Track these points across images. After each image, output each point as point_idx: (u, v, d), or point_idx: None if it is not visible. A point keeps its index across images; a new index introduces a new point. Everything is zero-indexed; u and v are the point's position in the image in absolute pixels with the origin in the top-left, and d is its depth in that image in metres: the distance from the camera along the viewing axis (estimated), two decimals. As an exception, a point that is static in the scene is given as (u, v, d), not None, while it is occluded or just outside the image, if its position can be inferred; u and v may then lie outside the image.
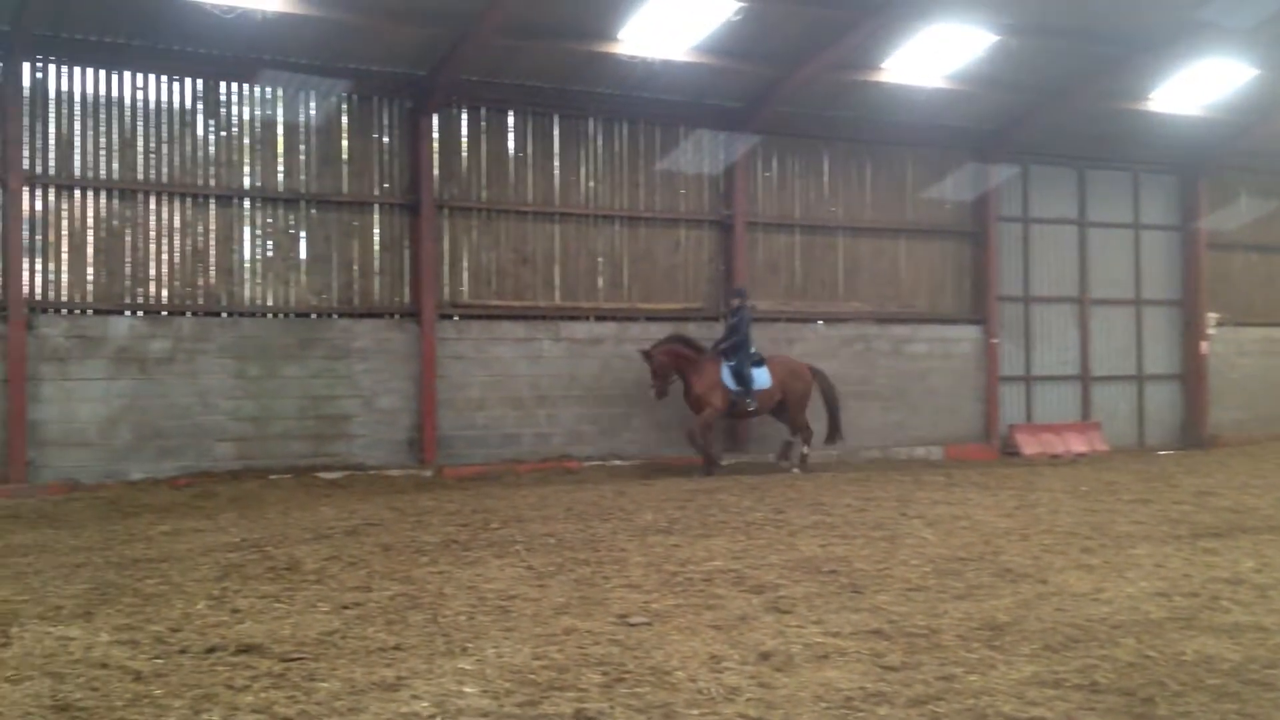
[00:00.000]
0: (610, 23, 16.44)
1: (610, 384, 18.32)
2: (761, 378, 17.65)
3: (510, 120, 17.98)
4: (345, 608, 7.44)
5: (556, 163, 18.31)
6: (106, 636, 6.66)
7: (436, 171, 17.25)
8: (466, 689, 5.58)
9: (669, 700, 5.42)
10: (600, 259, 18.57)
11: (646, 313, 18.81)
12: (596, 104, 18.40)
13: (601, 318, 18.51)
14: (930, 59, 18.49)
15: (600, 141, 18.66)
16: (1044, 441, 21.79)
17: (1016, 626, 6.86)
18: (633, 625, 6.88)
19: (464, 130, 17.64)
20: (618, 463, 17.53)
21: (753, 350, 17.75)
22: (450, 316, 17.36)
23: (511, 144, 17.98)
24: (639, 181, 18.94)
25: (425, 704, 5.35)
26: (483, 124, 17.78)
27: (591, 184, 18.59)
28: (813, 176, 20.38)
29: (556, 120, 18.30)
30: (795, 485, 14.87)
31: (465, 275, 17.60)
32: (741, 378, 17.42)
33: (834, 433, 18.63)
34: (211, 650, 6.32)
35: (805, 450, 18.14)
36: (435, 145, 17.29)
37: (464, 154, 17.64)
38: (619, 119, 18.73)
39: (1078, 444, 21.93)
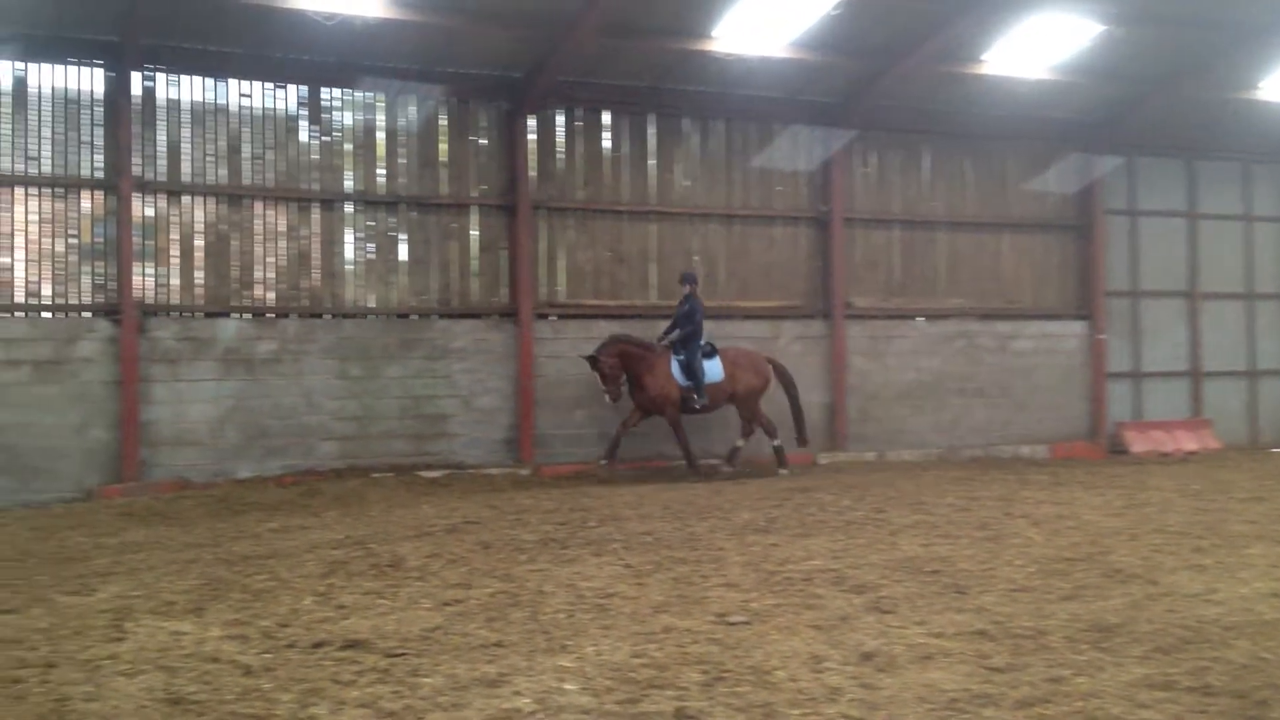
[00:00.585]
0: (705, 21, 16.39)
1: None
2: (713, 370, 16.53)
3: (606, 120, 18.03)
4: (447, 604, 7.53)
5: (652, 161, 18.32)
6: (217, 631, 6.82)
7: (533, 172, 17.38)
8: (567, 686, 5.61)
9: (770, 700, 5.38)
10: (696, 257, 18.52)
11: (743, 311, 18.73)
12: (692, 102, 18.37)
13: (697, 316, 18.46)
14: (1033, 50, 18.10)
15: (696, 139, 18.63)
16: (1153, 439, 21.22)
17: (1126, 628, 6.69)
18: (732, 624, 6.86)
19: (560, 131, 17.73)
20: (715, 461, 17.46)
21: (703, 342, 16.63)
22: (547, 316, 17.48)
23: (607, 143, 18.03)
24: (735, 179, 18.86)
25: (527, 700, 5.39)
26: (578, 124, 17.86)
27: (687, 182, 18.56)
28: (912, 171, 20.11)
29: (652, 119, 18.31)
30: (895, 484, 14.69)
31: (562, 275, 17.70)
32: (691, 371, 16.33)
33: (800, 434, 17.42)
34: (318, 645, 6.43)
35: (776, 443, 17.12)
36: (532, 146, 17.41)
37: (560, 154, 17.74)
38: (714, 116, 18.68)
39: (1188, 441, 21.32)
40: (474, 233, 17.24)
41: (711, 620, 6.97)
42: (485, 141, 17.30)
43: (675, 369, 16.29)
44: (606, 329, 17.61)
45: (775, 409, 17.36)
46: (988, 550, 9.42)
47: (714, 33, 16.62)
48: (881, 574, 8.37)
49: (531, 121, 17.40)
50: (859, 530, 10.57)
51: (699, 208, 18.56)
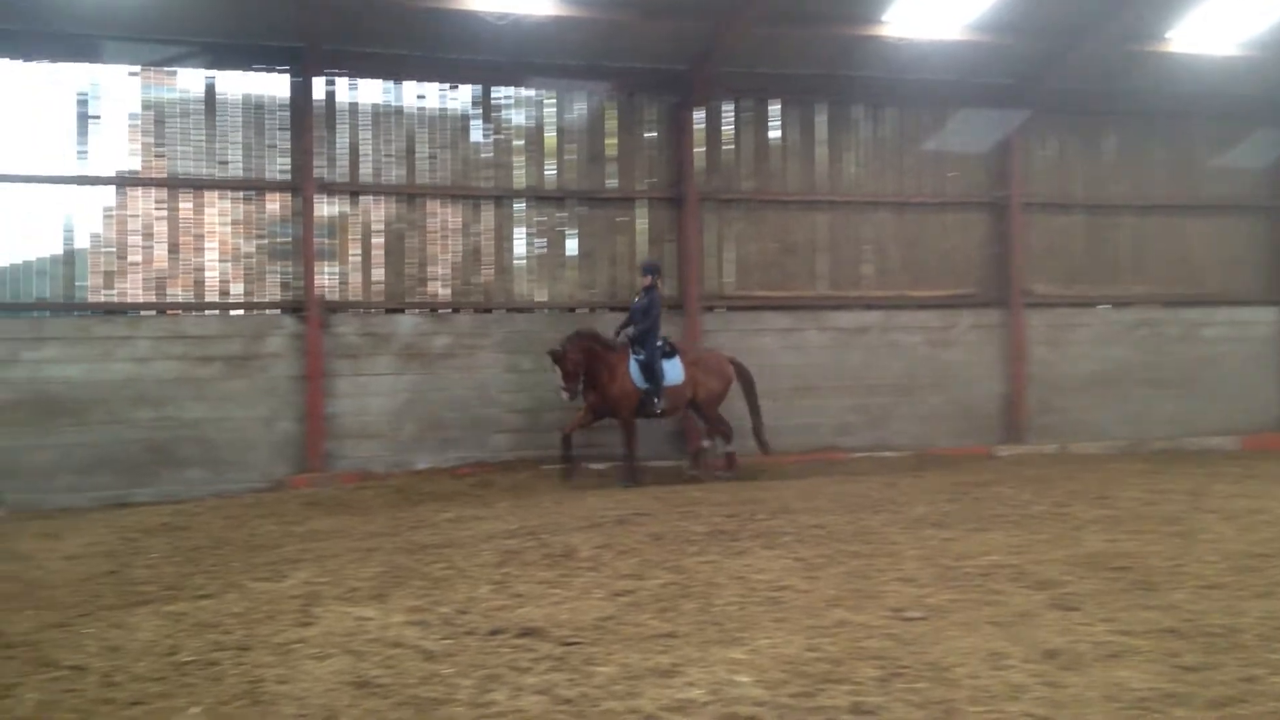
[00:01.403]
0: (875, 5, 16.10)
1: (877, 373, 17.97)
2: (673, 372, 15.11)
3: (773, 109, 17.90)
4: (619, 594, 7.58)
5: (821, 150, 18.10)
6: (399, 617, 7.01)
7: (700, 164, 17.36)
8: (740, 678, 5.58)
9: (949, 696, 5.26)
10: (867, 246, 18.23)
11: (916, 300, 18.36)
12: (861, 88, 18.07)
13: (868, 306, 18.19)
14: (1222, 25, 17.23)
15: (866, 126, 18.33)
16: (1353, 430, 19.98)
17: (1326, 627, 6.32)
18: (908, 619, 6.72)
19: (727, 122, 17.67)
20: (886, 454, 17.16)
21: (660, 341, 15.23)
22: (714, 308, 17.45)
23: (775, 133, 17.89)
24: (907, 165, 18.49)
25: (700, 691, 5.38)
26: (745, 114, 17.77)
27: (857, 170, 18.28)
28: (1093, 153, 19.36)
29: (821, 107, 18.09)
30: (1078, 478, 14.19)
31: (729, 267, 17.64)
32: (651, 373, 14.90)
33: (758, 436, 16.08)
34: (495, 632, 6.56)
35: (729, 448, 15.83)
36: (699, 138, 17.40)
37: (727, 145, 17.68)
38: (885, 103, 18.34)
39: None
40: (641, 226, 17.33)
41: (887, 615, 6.85)
42: (652, 135, 17.37)
43: (634, 369, 14.91)
44: (775, 321, 17.52)
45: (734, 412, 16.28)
46: (1177, 546, 9.02)
47: (884, 17, 16.32)
48: (1064, 570, 8.09)
49: (698, 114, 17.37)
50: (1040, 525, 10.24)
51: (870, 195, 18.25)
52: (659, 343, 15.11)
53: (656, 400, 14.88)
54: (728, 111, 17.69)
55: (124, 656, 6.29)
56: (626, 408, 14.95)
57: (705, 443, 16.04)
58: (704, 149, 17.47)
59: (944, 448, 17.42)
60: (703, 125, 17.47)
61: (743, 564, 8.58)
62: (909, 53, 17.17)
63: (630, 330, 15.14)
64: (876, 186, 18.33)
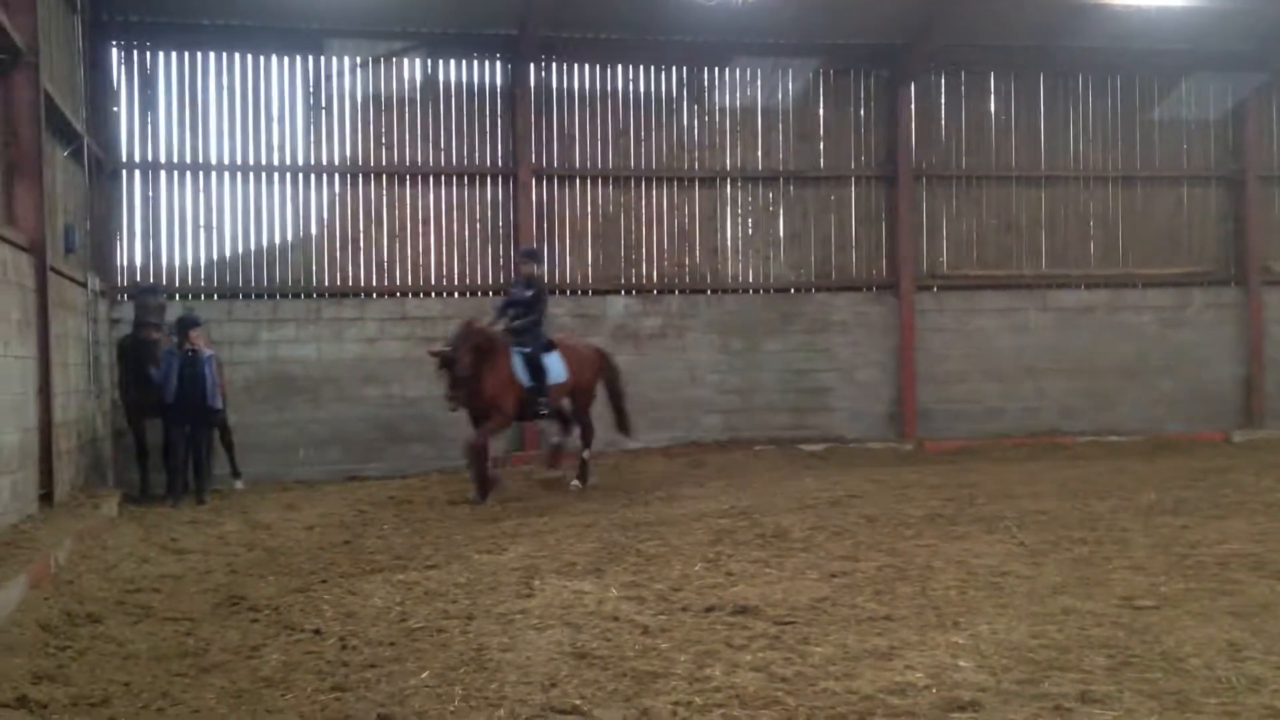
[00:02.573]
0: (1099, -29, 15.44)
1: (1103, 355, 17.25)
2: (556, 368, 13.13)
3: (991, 83, 17.36)
4: (834, 576, 7.50)
5: (1041, 124, 17.46)
6: (615, 592, 7.12)
7: (914, 141, 16.99)
8: (961, 663, 5.44)
9: (1183, 687, 5.00)
10: (1091, 222, 17.53)
11: (1144, 278, 17.54)
12: (1084, 59, 17.33)
13: (1093, 285, 17.48)
14: None
15: (1089, 98, 17.58)
16: None
17: None
18: (1139, 608, 6.42)
19: (942, 97, 17.25)
20: (1114, 438, 16.45)
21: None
22: (929, 288, 17.07)
23: (993, 107, 17.36)
24: (1134, 138, 17.67)
25: (919, 674, 5.27)
26: (962, 89, 17.30)
27: (1080, 144, 17.57)
28: (1342, 119, 18.09)
29: (1040, 79, 17.44)
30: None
31: (944, 245, 17.23)
32: (536, 369, 12.95)
33: (623, 424, 14.24)
34: (710, 609, 6.57)
35: (587, 454, 13.64)
36: (913, 114, 17.01)
37: (942, 121, 17.26)
38: (1109, 73, 17.56)
39: None
40: (853, 205, 17.08)
41: (1116, 603, 6.56)
42: (864, 112, 17.09)
43: (518, 366, 12.84)
44: (992, 300, 17.00)
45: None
46: None
47: (1109, -17, 15.61)
48: (1312, 561, 7.59)
49: (912, 89, 16.99)
50: (1282, 513, 9.65)
51: (1094, 170, 17.56)
52: (542, 334, 13.28)
53: (542, 400, 12.99)
54: (943, 86, 17.24)
55: (359, 622, 6.59)
56: (507, 409, 12.74)
57: (556, 439, 13.91)
58: (917, 125, 17.08)
59: (1175, 433, 16.60)
60: (916, 101, 17.07)
61: (962, 548, 8.36)
62: (1135, 20, 16.37)
63: (517, 321, 13.02)
64: (1101, 160, 17.59)
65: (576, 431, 13.71)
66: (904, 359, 16.73)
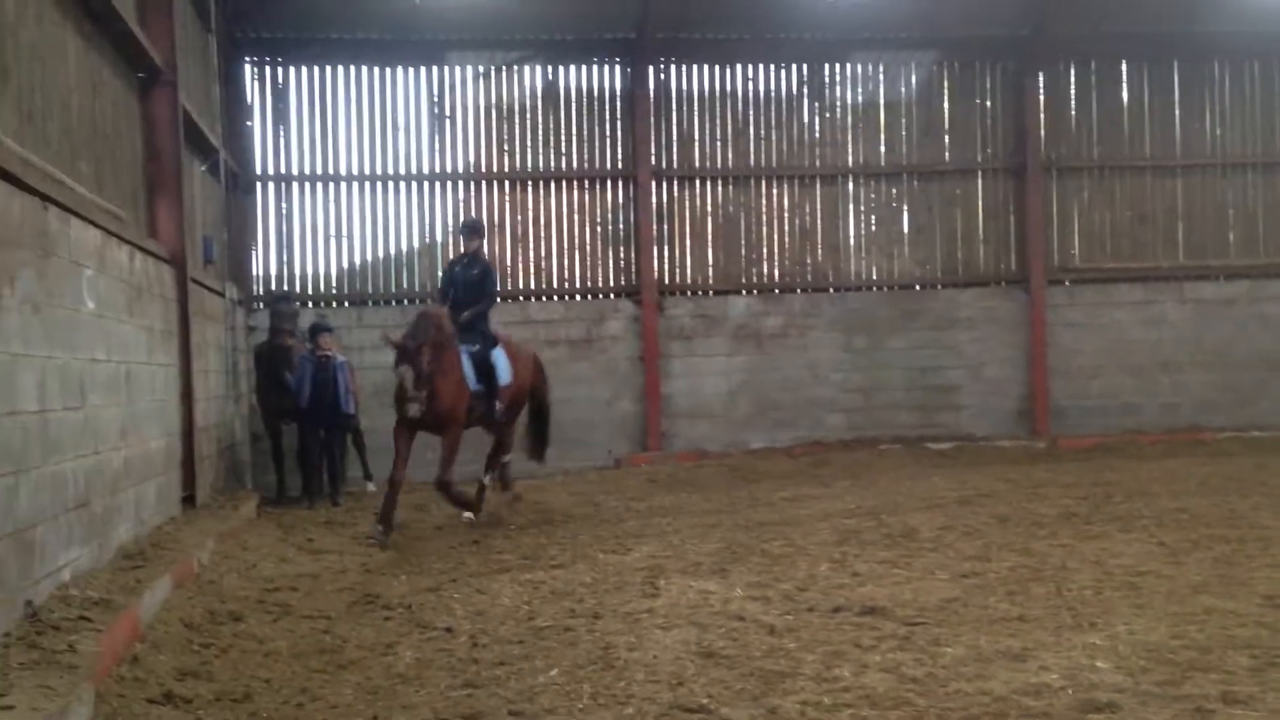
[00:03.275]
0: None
1: (1245, 348, 16.63)
2: (503, 369, 11.26)
3: (1122, 71, 16.87)
4: (964, 576, 7.38)
5: (1176, 111, 16.91)
6: (741, 592, 7.10)
7: (1043, 132, 16.60)
8: (1098, 664, 5.32)
9: (1337, 690, 4.80)
10: (1231, 211, 16.90)
11: (1287, 268, 16.87)
12: (1219, 44, 16.73)
13: (1232, 276, 16.85)
14: None
15: (1226, 84, 16.96)
16: None
17: None
18: (1286, 609, 6.19)
19: (1072, 86, 16.82)
20: (1256, 434, 15.83)
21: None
22: (1060, 282, 16.66)
23: (1125, 96, 16.86)
24: (1273, 123, 16.98)
25: (1055, 676, 5.16)
26: (1092, 78, 16.84)
27: (1218, 131, 16.96)
28: None
29: (1174, 66, 16.89)
30: None
31: (1075, 238, 16.79)
32: (488, 371, 11.06)
33: (540, 446, 12.53)
34: (837, 610, 6.52)
35: (507, 459, 12.14)
36: (1041, 104, 16.63)
37: (1072, 111, 16.83)
38: (1246, 57, 16.93)
39: None
40: (979, 199, 16.77)
41: (1259, 603, 6.35)
42: (990, 104, 16.76)
43: (467, 368, 10.89)
44: (1127, 293, 16.52)
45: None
46: None
47: (1246, -35, 15.05)
48: None
49: (1040, 79, 16.60)
50: None
51: (1233, 158, 16.93)
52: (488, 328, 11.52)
53: (496, 405, 11.19)
54: (1073, 75, 16.81)
55: (488, 620, 6.69)
56: (461, 418, 10.83)
57: (507, 458, 12.16)
58: (1046, 115, 16.69)
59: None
60: (1045, 91, 16.68)
61: (1098, 548, 8.15)
62: (1271, 3, 15.73)
63: (465, 313, 11.02)
64: (1241, 147, 16.96)
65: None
66: (1035, 355, 16.35)
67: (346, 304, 15.48)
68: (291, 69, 15.37)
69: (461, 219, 13.49)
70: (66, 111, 7.38)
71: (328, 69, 15.46)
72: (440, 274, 12.58)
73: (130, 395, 7.98)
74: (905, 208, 16.75)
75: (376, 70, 15.61)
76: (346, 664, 5.89)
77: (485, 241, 12.57)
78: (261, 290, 15.16)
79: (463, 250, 11.67)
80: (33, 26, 6.72)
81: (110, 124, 8.62)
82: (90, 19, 8.04)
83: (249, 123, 15.19)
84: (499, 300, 13.02)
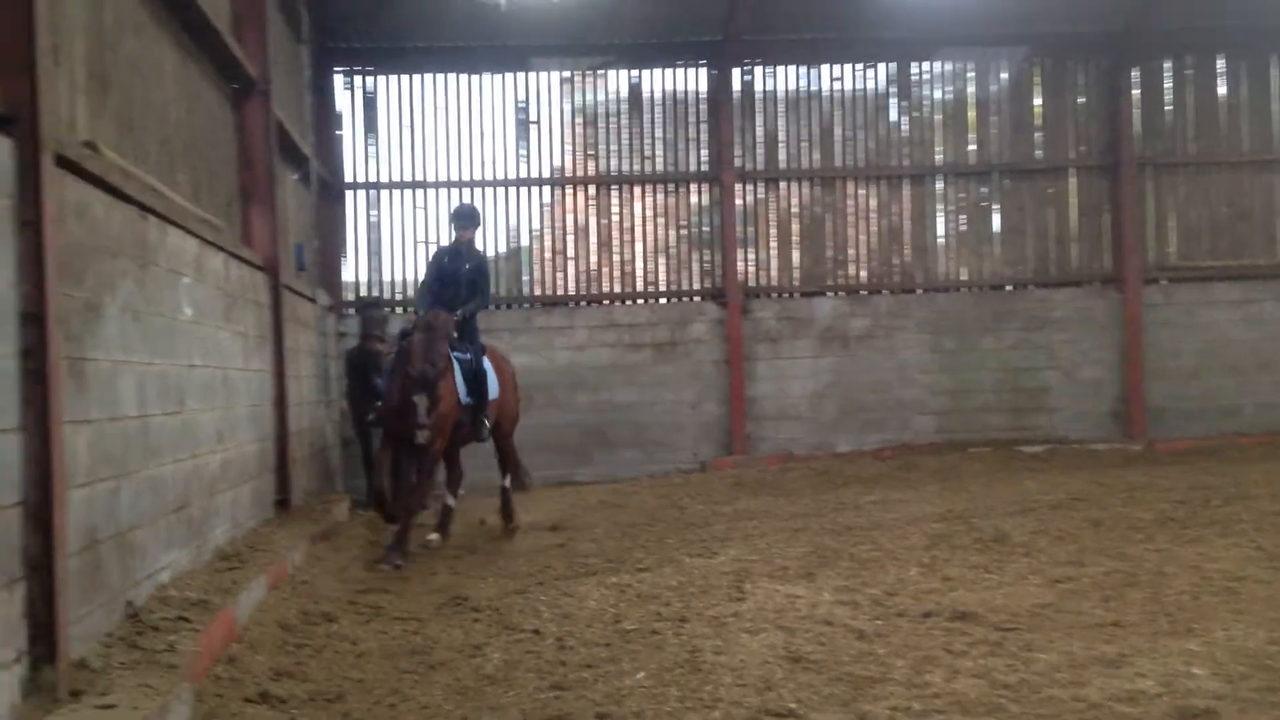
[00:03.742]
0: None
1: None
2: (492, 381, 10.46)
3: (1218, 66, 16.46)
4: (1057, 581, 7.27)
5: (1273, 106, 16.46)
6: (828, 596, 7.05)
7: (1137, 128, 16.26)
8: (1195, 670, 5.21)
9: None
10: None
11: None
12: (1320, 35, 16.26)
13: (1335, 273, 16.36)
14: None
15: (1327, 76, 16.48)
16: None
17: None
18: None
19: (1167, 81, 16.43)
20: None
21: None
22: (1155, 280, 16.30)
23: (1223, 90, 16.44)
24: (1382, 116, 16.44)
25: (1150, 682, 5.06)
26: (1187, 73, 16.44)
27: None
28: None
29: (1272, 60, 16.45)
30: None
31: (1172, 236, 16.42)
32: (479, 383, 10.17)
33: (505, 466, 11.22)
34: (927, 615, 6.45)
35: (458, 496, 10.87)
36: (1135, 101, 16.28)
37: (1167, 106, 16.44)
38: (1352, 47, 16.42)
39: None
40: (1072, 197, 16.47)
41: (1370, 611, 6.15)
42: (1083, 100, 16.45)
43: (459, 376, 9.89)
44: (1226, 292, 16.12)
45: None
46: None
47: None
48: None
49: (1134, 75, 16.26)
50: None
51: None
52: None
53: (486, 421, 10.26)
54: (1168, 70, 16.43)
55: (574, 623, 6.72)
56: (445, 433, 9.68)
57: (507, 482, 11.15)
58: (1142, 111, 16.33)
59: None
60: (1140, 87, 16.33)
61: (1195, 552, 7.96)
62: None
63: (459, 311, 10.05)
64: (1341, 141, 16.44)
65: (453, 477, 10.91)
66: (1130, 356, 16.01)
67: (435, 309, 15.65)
68: (380, 78, 15.60)
69: (454, 206, 11.63)
70: (164, 123, 7.58)
71: (415, 77, 15.66)
72: (426, 265, 10.97)
73: (226, 400, 8.16)
74: (996, 207, 16.49)
75: (463, 78, 15.76)
76: (436, 665, 5.96)
77: (481, 231, 11.18)
78: (351, 296, 15.41)
79: (454, 240, 10.43)
80: (132, 39, 6.91)
81: (206, 134, 8.83)
82: (187, 31, 8.24)
83: (339, 132, 15.45)
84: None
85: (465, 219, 10.43)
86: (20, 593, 4.27)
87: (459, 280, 10.22)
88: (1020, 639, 5.89)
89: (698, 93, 16.16)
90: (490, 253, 15.80)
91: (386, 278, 15.69)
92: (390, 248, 15.69)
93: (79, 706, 4.21)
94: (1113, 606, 6.54)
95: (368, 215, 15.66)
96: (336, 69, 15.42)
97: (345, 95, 15.56)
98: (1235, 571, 7.27)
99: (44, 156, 4.46)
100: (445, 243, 11.18)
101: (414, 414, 8.91)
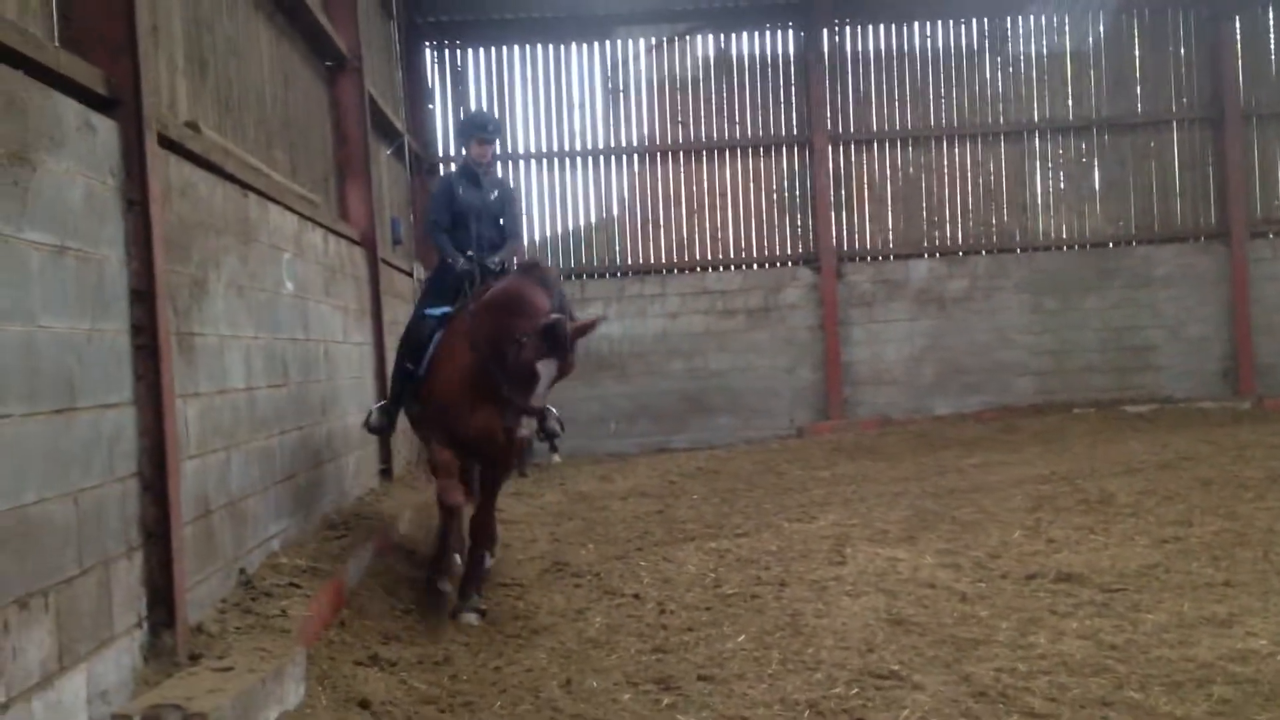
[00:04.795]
0: None
1: None
2: None
3: (1326, 8, 15.86)
4: (1165, 542, 7.14)
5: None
6: (930, 559, 7.00)
7: (1241, 78, 15.73)
8: (1313, 631, 5.08)
9: None
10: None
11: None
12: None
13: None
14: None
15: None
16: None
17: None
18: None
19: (1270, 30, 15.85)
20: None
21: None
22: (1263, 234, 15.80)
23: (1329, 35, 15.86)
24: None
25: (1263, 641, 4.99)
26: (1293, 18, 15.87)
27: None
28: None
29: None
30: None
31: (1279, 188, 15.89)
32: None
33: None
34: (1031, 577, 6.38)
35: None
36: (1239, 50, 15.75)
37: (1272, 56, 15.87)
38: None
39: None
40: (1175, 150, 16.02)
41: None
42: (1184, 51, 15.95)
43: None
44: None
45: None
46: None
47: None
48: None
49: (1237, 23, 15.73)
50: None
51: None
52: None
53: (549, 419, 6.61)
54: (1271, 19, 15.84)
55: (675, 587, 6.77)
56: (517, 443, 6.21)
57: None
58: (1245, 62, 15.80)
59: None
60: (1242, 36, 15.79)
61: (1308, 511, 7.76)
62: None
63: (493, 258, 7.27)
64: None
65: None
66: (1237, 311, 15.55)
67: (528, 280, 15.75)
68: (469, 51, 15.70)
69: (465, 112, 9.07)
70: (261, 101, 7.72)
71: (504, 49, 15.73)
72: (433, 195, 7.81)
73: (329, 372, 8.33)
74: (1095, 163, 16.10)
75: (551, 48, 15.79)
76: (539, 629, 6.05)
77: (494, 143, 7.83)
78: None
79: (465, 160, 7.60)
80: (227, 20, 7.04)
81: (301, 112, 8.98)
82: (280, 11, 8.38)
83: (430, 106, 15.60)
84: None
85: (482, 128, 7.57)
86: (139, 560, 4.42)
87: (482, 214, 7.41)
88: (1127, 599, 5.81)
89: (787, 55, 15.99)
90: (581, 223, 15.87)
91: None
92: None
93: (198, 669, 4.35)
94: (1223, 566, 6.42)
95: (460, 188, 15.79)
96: (426, 43, 15.54)
97: (435, 69, 15.69)
98: (1351, 530, 7.09)
99: (148, 137, 4.58)
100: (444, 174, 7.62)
101: (531, 392, 5.87)
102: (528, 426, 5.95)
